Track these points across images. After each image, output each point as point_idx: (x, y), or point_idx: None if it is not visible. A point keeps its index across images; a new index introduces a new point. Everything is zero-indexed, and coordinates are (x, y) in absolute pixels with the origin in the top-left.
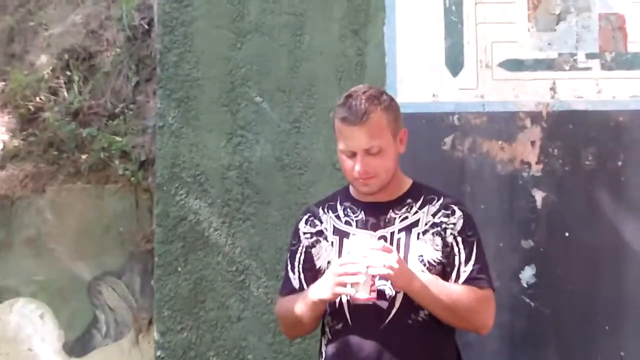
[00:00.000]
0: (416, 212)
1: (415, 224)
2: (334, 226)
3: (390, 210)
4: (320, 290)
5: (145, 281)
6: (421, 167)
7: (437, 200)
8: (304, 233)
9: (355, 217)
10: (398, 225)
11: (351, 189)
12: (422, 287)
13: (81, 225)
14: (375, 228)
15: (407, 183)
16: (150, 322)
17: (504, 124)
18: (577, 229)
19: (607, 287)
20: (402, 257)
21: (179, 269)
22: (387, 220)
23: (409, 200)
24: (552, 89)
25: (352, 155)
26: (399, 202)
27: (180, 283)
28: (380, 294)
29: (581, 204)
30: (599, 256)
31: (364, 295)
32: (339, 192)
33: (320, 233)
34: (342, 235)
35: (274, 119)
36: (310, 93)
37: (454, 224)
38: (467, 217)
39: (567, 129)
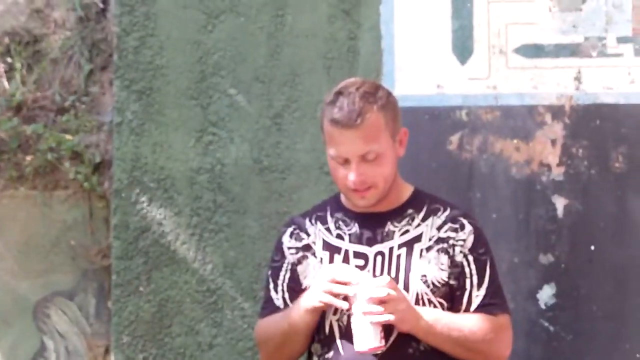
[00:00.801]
0: (418, 224)
1: (418, 238)
2: (323, 240)
3: (389, 222)
4: (308, 299)
5: (101, 303)
6: (423, 170)
7: (443, 212)
8: (289, 248)
9: (348, 230)
10: (398, 240)
11: (343, 197)
12: (430, 327)
13: (26, 238)
14: (371, 243)
15: (408, 190)
16: (107, 351)
17: (520, 120)
18: (605, 242)
19: (638, 310)
20: (402, 276)
21: (141, 288)
22: (385, 233)
23: (410, 211)
24: (577, 78)
25: (345, 162)
26: (398, 213)
27: (142, 305)
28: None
29: (609, 213)
30: (629, 274)
31: (374, 343)
32: (329, 201)
33: (307, 248)
34: (333, 250)
35: (252, 114)
36: (293, 84)
37: (464, 240)
38: (478, 233)
39: (593, 125)
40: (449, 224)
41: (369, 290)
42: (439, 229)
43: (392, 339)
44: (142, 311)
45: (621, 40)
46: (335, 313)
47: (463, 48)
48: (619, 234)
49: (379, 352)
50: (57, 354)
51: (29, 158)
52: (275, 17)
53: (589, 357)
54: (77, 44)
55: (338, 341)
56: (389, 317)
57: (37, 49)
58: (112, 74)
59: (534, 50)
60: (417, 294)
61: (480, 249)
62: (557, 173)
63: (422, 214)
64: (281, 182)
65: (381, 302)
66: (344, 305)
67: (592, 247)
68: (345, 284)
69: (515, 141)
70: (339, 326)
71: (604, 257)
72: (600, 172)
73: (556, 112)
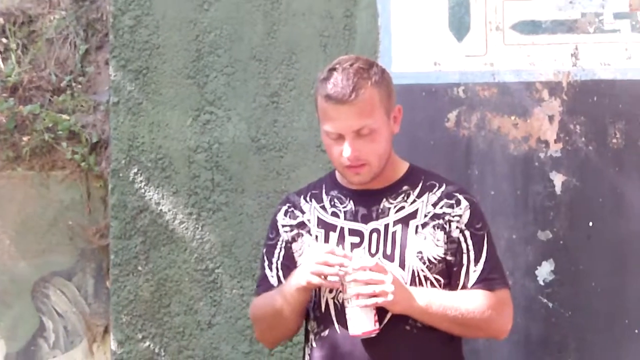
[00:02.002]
0: (414, 201)
1: (413, 215)
2: (318, 218)
3: (384, 199)
4: (297, 277)
5: (99, 282)
6: (421, 147)
7: (438, 188)
8: (284, 226)
9: (343, 207)
10: (393, 216)
11: (337, 174)
12: (424, 308)
13: (23, 218)
14: (366, 220)
15: (403, 167)
16: (106, 330)
17: (518, 97)
18: (603, 218)
19: (637, 285)
20: (398, 253)
21: (139, 268)
22: (380, 210)
23: (405, 187)
24: (574, 55)
25: (339, 138)
26: (393, 190)
27: (140, 284)
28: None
29: (607, 189)
30: (627, 250)
31: (367, 327)
32: (324, 179)
33: (302, 225)
34: (328, 228)
35: (249, 93)
36: (290, 62)
37: (460, 215)
38: (474, 207)
39: (591, 101)
40: (445, 200)
41: (357, 273)
42: (434, 205)
43: (388, 316)
44: (140, 290)
45: (618, 16)
46: (331, 291)
47: (460, 25)
48: (617, 209)
49: (374, 334)
50: (56, 334)
51: (25, 138)
52: None
53: (587, 333)
54: (73, 23)
55: (334, 319)
56: (377, 300)
57: (32, 29)
58: (108, 54)
59: (531, 27)
60: (414, 271)
61: (477, 224)
62: (555, 149)
63: (417, 190)
64: (279, 160)
65: (370, 284)
66: (334, 281)
67: (591, 223)
68: (332, 265)
69: (512, 118)
70: (335, 304)
71: (602, 233)
72: (598, 148)
73: (553, 88)
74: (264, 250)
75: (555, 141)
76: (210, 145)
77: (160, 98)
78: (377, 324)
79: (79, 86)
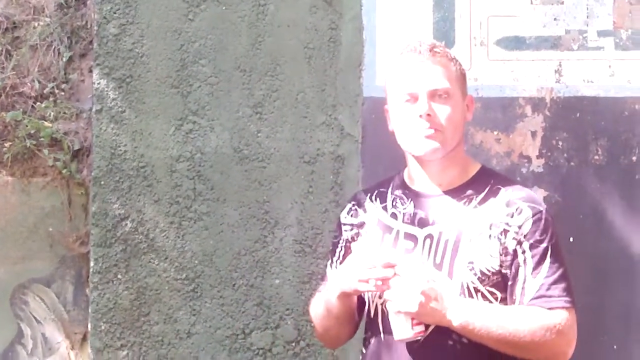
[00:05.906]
0: (475, 207)
1: (471, 223)
2: (378, 218)
3: (445, 204)
4: (340, 283)
5: (78, 290)
6: (402, 160)
7: (503, 194)
8: (344, 224)
9: (403, 209)
10: (450, 223)
11: (406, 174)
12: (464, 323)
13: (3, 224)
14: (422, 224)
15: (473, 169)
16: (84, 338)
17: (501, 112)
18: (583, 234)
19: (616, 301)
20: (447, 262)
21: (119, 276)
22: (438, 215)
23: (469, 192)
24: (558, 71)
25: (414, 100)
26: (456, 194)
27: (120, 292)
28: None
29: (588, 204)
30: (607, 265)
31: (404, 333)
32: (394, 176)
33: (362, 225)
34: (385, 230)
35: (232, 103)
36: (274, 73)
37: (519, 226)
38: (537, 217)
39: (574, 118)
40: (506, 208)
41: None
42: (494, 213)
43: (431, 327)
44: (120, 299)
45: (602, 33)
46: (380, 297)
47: (444, 40)
48: (598, 226)
49: (417, 339)
50: (34, 340)
51: (7, 145)
52: (257, 7)
53: None
54: (57, 30)
55: (380, 326)
56: (399, 308)
57: (16, 35)
58: (92, 61)
59: (515, 43)
60: (462, 283)
61: (539, 236)
62: (537, 165)
63: (481, 196)
64: (261, 171)
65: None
66: (376, 289)
67: (571, 239)
68: (376, 267)
69: (495, 133)
70: (382, 310)
71: (582, 249)
72: (580, 165)
73: (536, 104)
74: (330, 248)
75: (538, 157)
76: (192, 155)
77: (143, 107)
78: (417, 327)
79: (62, 93)
